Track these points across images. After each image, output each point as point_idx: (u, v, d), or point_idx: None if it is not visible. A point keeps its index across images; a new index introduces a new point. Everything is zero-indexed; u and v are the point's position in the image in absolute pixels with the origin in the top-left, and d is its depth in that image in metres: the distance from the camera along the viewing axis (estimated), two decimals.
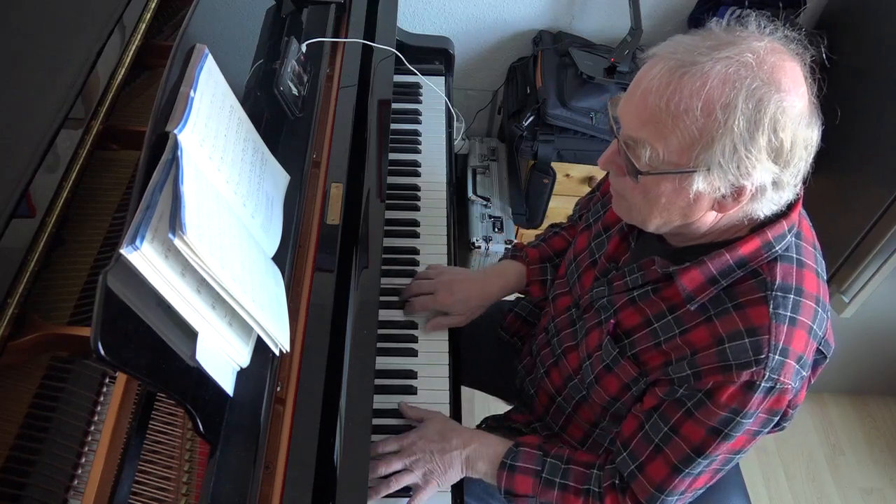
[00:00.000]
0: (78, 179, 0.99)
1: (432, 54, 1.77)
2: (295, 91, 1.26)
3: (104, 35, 1.12)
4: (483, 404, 2.02)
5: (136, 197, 0.80)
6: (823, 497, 2.18)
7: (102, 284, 0.72)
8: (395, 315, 1.35)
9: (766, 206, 0.93)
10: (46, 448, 0.89)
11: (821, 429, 2.33)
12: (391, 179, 1.51)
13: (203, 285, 0.85)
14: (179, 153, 0.85)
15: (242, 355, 0.93)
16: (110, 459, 0.86)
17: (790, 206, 0.97)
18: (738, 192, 0.90)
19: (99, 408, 0.92)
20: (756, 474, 2.19)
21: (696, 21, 2.12)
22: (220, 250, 0.85)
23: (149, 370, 0.79)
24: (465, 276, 1.37)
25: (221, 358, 0.91)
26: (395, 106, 1.63)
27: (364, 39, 1.53)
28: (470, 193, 2.28)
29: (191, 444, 0.93)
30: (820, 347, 0.99)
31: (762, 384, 0.93)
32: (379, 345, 1.17)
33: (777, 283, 0.94)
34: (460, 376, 1.31)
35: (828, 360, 1.03)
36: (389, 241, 1.43)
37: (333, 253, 1.17)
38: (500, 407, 1.52)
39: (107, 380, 0.94)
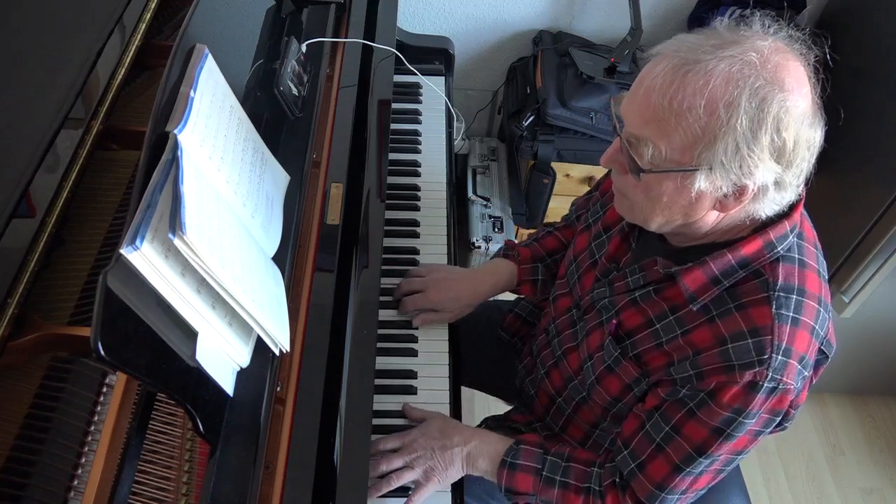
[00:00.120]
0: (78, 179, 0.99)
1: (432, 54, 1.77)
2: (295, 91, 1.26)
3: (104, 35, 1.11)
4: (483, 404, 2.02)
5: (136, 197, 0.80)
6: (823, 497, 2.18)
7: (102, 284, 0.72)
8: (396, 315, 1.34)
9: (767, 207, 0.93)
10: (47, 448, 0.88)
11: (821, 429, 2.33)
12: (391, 179, 1.51)
13: (203, 285, 0.85)
14: (179, 153, 0.85)
15: (242, 355, 0.93)
16: (110, 459, 0.86)
17: (792, 207, 0.97)
18: (739, 192, 0.90)
19: (99, 408, 0.92)
20: (756, 474, 2.19)
21: (696, 21, 2.12)
22: (220, 250, 0.85)
23: (149, 370, 0.78)
24: (456, 274, 1.37)
25: (221, 358, 0.90)
26: (395, 106, 1.63)
27: (364, 39, 1.53)
28: (470, 193, 2.28)
29: (191, 444, 0.93)
30: (822, 347, 0.99)
31: (765, 384, 0.92)
32: (379, 345, 1.16)
33: (779, 283, 0.94)
34: (460, 376, 1.31)
35: (829, 360, 1.03)
36: (389, 241, 1.42)
37: (333, 253, 1.17)
38: (500, 407, 1.52)
39: (107, 380, 0.94)
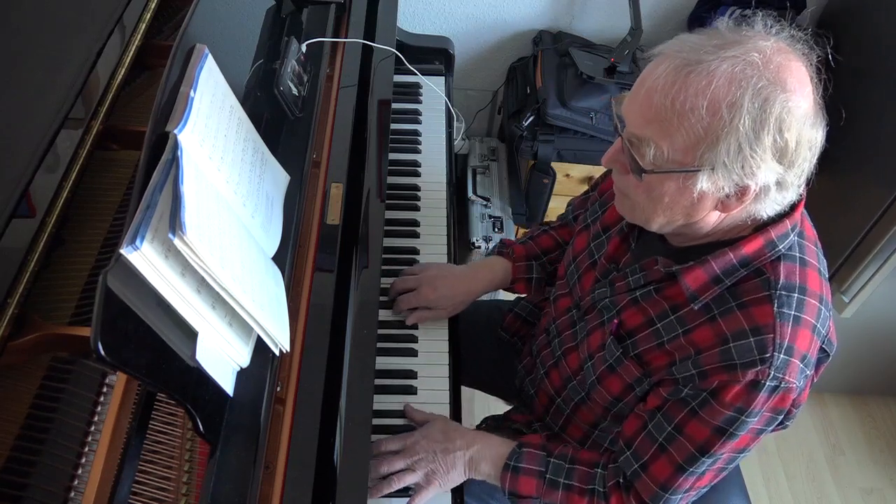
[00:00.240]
0: (78, 179, 0.99)
1: (432, 54, 1.77)
2: (295, 91, 1.26)
3: (104, 35, 1.11)
4: (483, 404, 2.02)
5: (136, 197, 0.80)
6: (823, 497, 2.18)
7: (102, 284, 0.72)
8: (395, 315, 1.34)
9: (769, 207, 0.93)
10: (47, 448, 0.88)
11: (821, 429, 2.33)
12: (391, 179, 1.51)
13: (203, 285, 0.85)
14: (179, 153, 0.85)
15: (242, 355, 0.93)
16: (110, 459, 0.86)
17: (793, 206, 0.97)
18: (741, 192, 0.90)
19: (99, 408, 0.92)
20: (756, 474, 2.19)
21: (696, 21, 2.11)
22: (220, 250, 0.85)
23: (149, 370, 0.78)
24: (449, 272, 1.37)
25: (221, 358, 0.90)
26: (395, 106, 1.63)
27: (364, 39, 1.53)
28: (470, 193, 2.28)
29: (191, 444, 0.93)
30: (823, 346, 0.99)
31: (767, 383, 0.92)
32: (379, 345, 1.16)
33: (781, 282, 0.94)
34: (460, 376, 1.30)
35: (830, 359, 1.03)
36: (389, 241, 1.42)
37: (333, 253, 1.17)
38: (500, 407, 1.52)
39: (107, 380, 0.94)
